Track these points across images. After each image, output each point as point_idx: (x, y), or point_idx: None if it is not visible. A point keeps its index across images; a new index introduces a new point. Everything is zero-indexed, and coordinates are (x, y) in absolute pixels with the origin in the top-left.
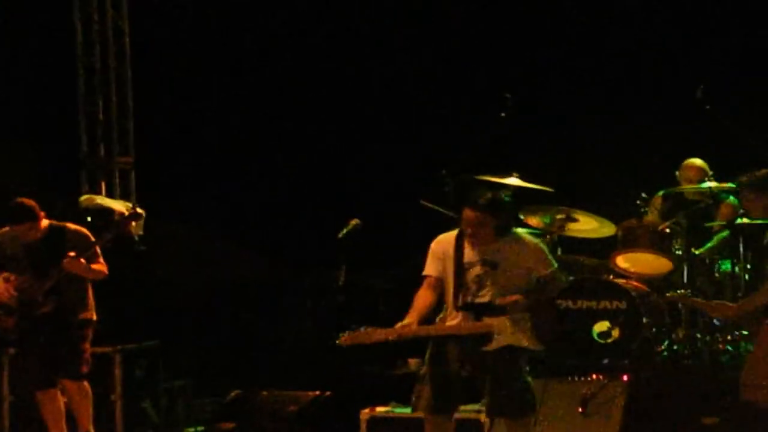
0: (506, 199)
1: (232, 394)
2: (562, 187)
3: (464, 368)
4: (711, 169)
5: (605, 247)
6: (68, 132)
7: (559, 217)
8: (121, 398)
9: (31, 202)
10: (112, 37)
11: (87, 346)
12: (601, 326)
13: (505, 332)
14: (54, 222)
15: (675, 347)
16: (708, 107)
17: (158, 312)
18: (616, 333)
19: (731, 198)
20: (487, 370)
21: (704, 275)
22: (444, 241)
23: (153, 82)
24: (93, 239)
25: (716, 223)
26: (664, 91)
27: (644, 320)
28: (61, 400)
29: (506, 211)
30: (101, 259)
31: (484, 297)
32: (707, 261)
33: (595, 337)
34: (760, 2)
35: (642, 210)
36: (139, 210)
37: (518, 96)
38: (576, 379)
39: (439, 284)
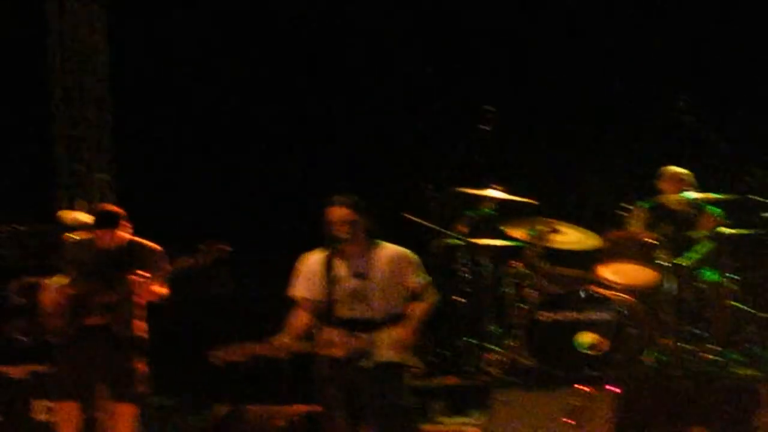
0: (364, 203)
1: (220, 410)
2: (546, 200)
3: (339, 386)
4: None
5: (589, 260)
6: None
7: (543, 229)
8: None
9: (116, 210)
10: (88, 53)
11: (143, 366)
12: (588, 338)
13: (382, 348)
14: (134, 238)
15: (661, 357)
16: (690, 117)
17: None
18: (603, 345)
19: (713, 208)
20: (364, 389)
21: (689, 285)
22: (310, 260)
23: (131, 99)
24: (167, 262)
25: (699, 233)
26: (646, 101)
27: (630, 331)
28: (80, 416)
29: (368, 212)
30: (164, 282)
31: (357, 311)
32: (691, 271)
33: (582, 348)
34: (737, 13)
35: (625, 221)
36: (228, 248)
37: (499, 107)
38: (564, 390)
39: (309, 304)
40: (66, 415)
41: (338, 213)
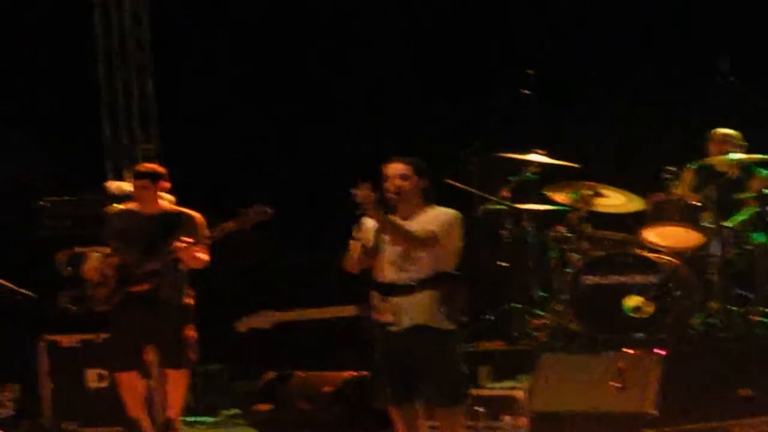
0: (424, 166)
1: (267, 376)
2: (589, 163)
3: (382, 351)
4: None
5: (634, 222)
6: (91, 120)
7: (586, 192)
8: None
9: (155, 167)
10: (129, 23)
11: (192, 332)
12: (634, 301)
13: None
14: (175, 206)
15: (709, 320)
16: (732, 78)
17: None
18: (649, 307)
19: (762, 171)
20: (400, 354)
21: (735, 247)
22: (369, 224)
23: (174, 68)
24: (207, 229)
25: (746, 195)
26: (690, 62)
27: (677, 293)
28: (142, 383)
29: (428, 174)
30: (207, 249)
31: (394, 275)
32: (738, 233)
33: (628, 311)
34: None
35: (669, 183)
36: (269, 210)
37: (541, 71)
38: (610, 353)
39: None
40: (128, 385)
41: (394, 167)
